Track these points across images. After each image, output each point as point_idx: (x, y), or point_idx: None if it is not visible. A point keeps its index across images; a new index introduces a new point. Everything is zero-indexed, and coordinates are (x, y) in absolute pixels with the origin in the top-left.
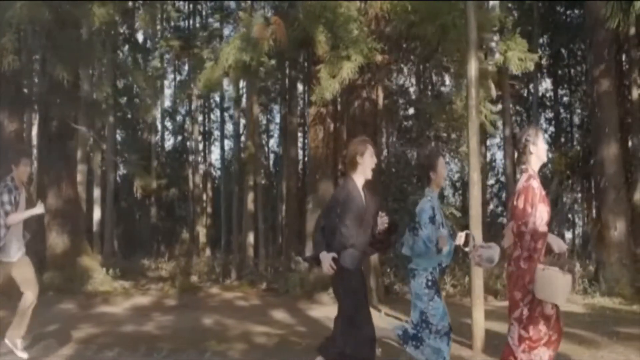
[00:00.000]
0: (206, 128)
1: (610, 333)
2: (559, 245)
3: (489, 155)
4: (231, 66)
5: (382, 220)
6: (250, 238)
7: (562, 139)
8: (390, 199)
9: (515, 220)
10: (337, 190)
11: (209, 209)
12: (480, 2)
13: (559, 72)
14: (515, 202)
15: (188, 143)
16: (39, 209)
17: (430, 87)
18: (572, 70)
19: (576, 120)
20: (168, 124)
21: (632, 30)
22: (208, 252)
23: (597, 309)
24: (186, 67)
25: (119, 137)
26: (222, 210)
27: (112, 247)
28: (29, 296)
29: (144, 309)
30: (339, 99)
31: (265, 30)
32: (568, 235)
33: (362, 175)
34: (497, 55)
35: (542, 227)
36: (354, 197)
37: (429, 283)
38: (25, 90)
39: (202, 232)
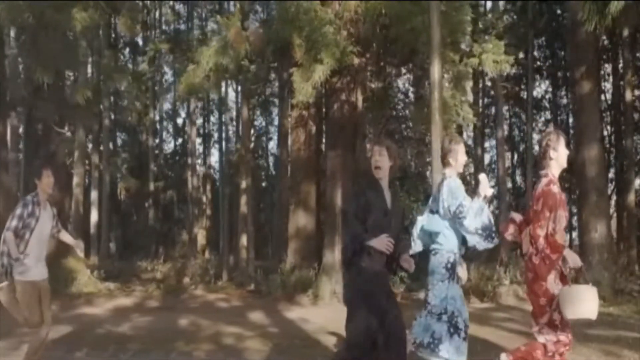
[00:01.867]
0: (206, 130)
1: (578, 335)
2: (574, 260)
3: (487, 157)
4: (212, 69)
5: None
6: (244, 240)
7: None
8: None
9: (533, 222)
10: None
11: (208, 211)
12: (460, 3)
13: (559, 73)
14: (534, 207)
15: (188, 145)
16: (78, 246)
17: (410, 90)
18: (570, 72)
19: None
20: (169, 126)
21: (626, 32)
22: (208, 254)
23: None
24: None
25: (120, 140)
26: (220, 213)
27: (107, 249)
28: (42, 332)
29: (124, 310)
30: (323, 101)
31: (241, 34)
32: None
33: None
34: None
35: (560, 233)
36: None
37: (448, 265)
38: (10, 94)
39: (201, 234)
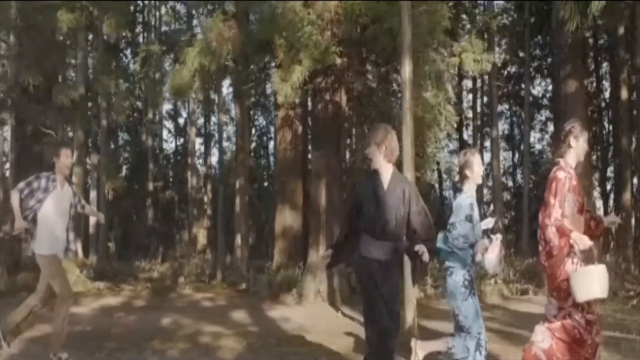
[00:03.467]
0: (207, 130)
1: None
2: (583, 242)
3: (488, 156)
4: (197, 70)
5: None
6: (239, 239)
7: None
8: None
9: (541, 213)
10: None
11: (209, 211)
12: (436, 2)
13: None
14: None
15: (188, 145)
16: (100, 218)
17: (393, 90)
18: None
19: None
20: (171, 126)
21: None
22: (209, 253)
23: None
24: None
25: (121, 140)
26: (219, 213)
27: (107, 249)
28: (32, 299)
29: (110, 309)
30: (309, 102)
31: (222, 35)
32: None
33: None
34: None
35: (571, 217)
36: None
37: (466, 282)
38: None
39: (202, 234)
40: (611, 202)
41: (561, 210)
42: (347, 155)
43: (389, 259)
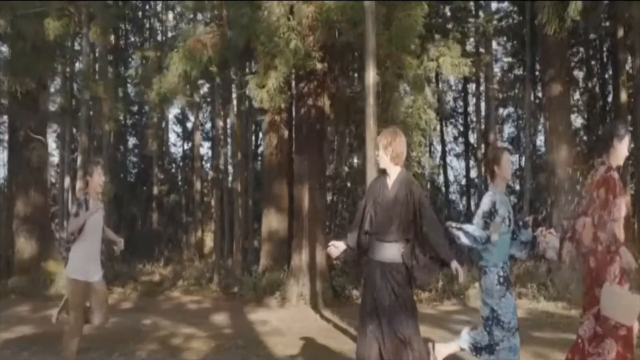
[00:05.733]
0: (214, 134)
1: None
2: (628, 261)
3: None
4: (180, 75)
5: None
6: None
7: None
8: (343, 205)
9: (600, 210)
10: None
11: (215, 215)
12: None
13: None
14: (594, 194)
15: (196, 149)
16: (119, 244)
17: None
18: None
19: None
20: (179, 129)
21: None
22: (214, 257)
23: (536, 314)
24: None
25: (130, 144)
26: (220, 216)
27: (112, 251)
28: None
29: None
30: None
31: (200, 41)
32: None
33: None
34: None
35: (619, 222)
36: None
37: (501, 279)
38: None
39: (209, 237)
40: None
41: (618, 214)
42: (335, 159)
43: (392, 262)
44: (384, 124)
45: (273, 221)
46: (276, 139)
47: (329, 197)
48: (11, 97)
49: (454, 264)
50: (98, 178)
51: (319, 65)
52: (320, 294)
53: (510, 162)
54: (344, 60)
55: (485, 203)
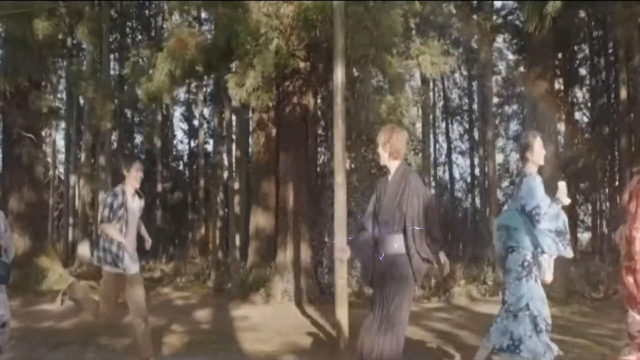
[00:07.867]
0: (219, 132)
1: None
2: None
3: (501, 157)
4: (166, 75)
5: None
6: (237, 240)
7: None
8: (329, 203)
9: (628, 225)
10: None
11: (220, 212)
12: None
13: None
14: (627, 206)
15: (204, 146)
16: (147, 244)
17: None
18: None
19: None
20: (185, 126)
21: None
22: (220, 254)
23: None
24: None
25: (137, 141)
26: (223, 214)
27: None
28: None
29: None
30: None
31: (182, 41)
32: None
33: None
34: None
35: None
36: None
37: (525, 263)
38: None
39: (217, 234)
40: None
41: None
42: (322, 157)
43: (396, 254)
44: (362, 122)
45: (260, 218)
46: (264, 137)
47: (315, 195)
48: (3, 96)
49: (442, 256)
50: (136, 173)
51: (302, 64)
52: (305, 290)
53: (542, 147)
54: (328, 59)
55: (538, 184)
